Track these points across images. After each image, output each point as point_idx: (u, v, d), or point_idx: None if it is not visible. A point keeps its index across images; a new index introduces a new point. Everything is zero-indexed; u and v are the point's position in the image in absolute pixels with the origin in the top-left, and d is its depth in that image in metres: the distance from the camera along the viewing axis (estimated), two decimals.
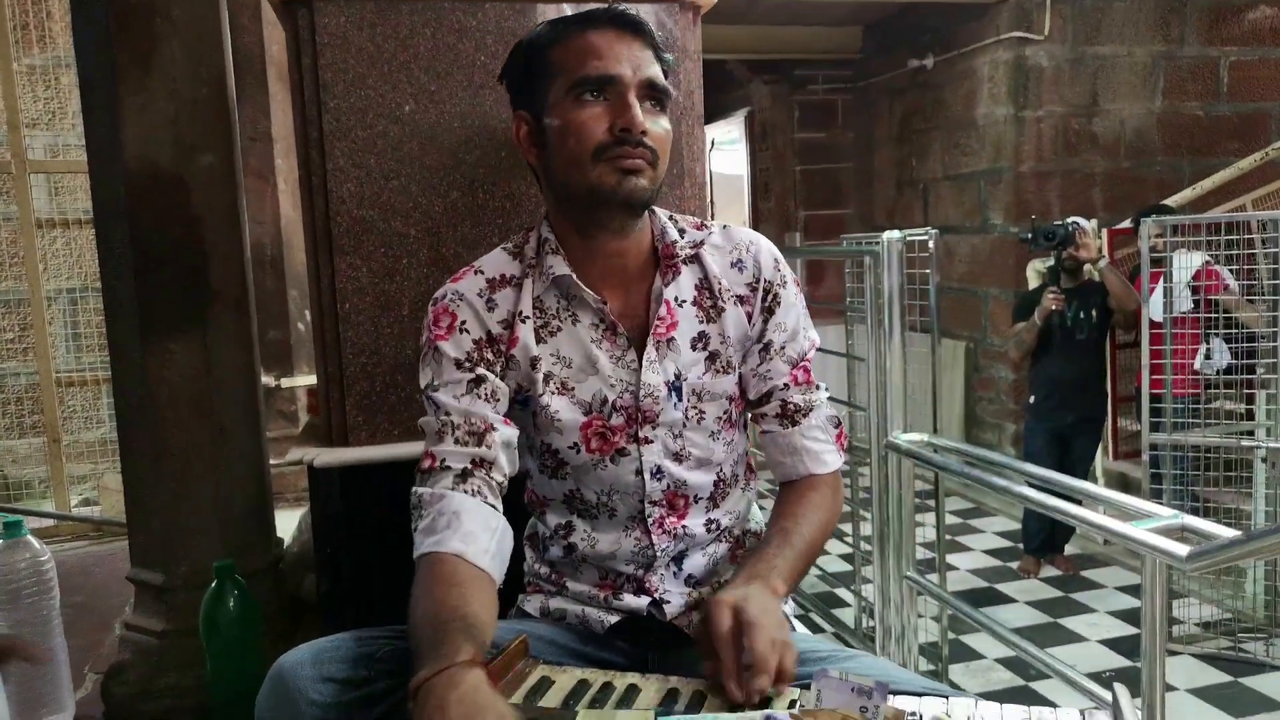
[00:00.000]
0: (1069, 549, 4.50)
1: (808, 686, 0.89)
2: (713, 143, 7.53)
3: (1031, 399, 4.33)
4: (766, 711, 0.85)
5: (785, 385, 1.22)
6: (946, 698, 0.92)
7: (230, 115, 1.70)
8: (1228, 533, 2.14)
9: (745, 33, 6.38)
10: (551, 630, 1.22)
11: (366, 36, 1.46)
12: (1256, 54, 5.41)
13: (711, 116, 7.36)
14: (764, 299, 1.22)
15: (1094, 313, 4.07)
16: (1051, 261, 4.11)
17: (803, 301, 1.27)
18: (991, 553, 4.72)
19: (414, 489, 1.09)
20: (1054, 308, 4.04)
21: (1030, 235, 4.06)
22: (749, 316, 1.22)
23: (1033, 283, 4.67)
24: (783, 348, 1.22)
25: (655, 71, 1.12)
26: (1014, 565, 4.48)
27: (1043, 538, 4.37)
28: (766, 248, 1.24)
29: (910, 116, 6.26)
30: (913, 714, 0.83)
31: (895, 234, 3.34)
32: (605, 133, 1.09)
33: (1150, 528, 2.36)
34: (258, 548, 1.80)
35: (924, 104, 6.09)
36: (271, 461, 2.40)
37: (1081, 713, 0.86)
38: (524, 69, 1.17)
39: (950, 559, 4.32)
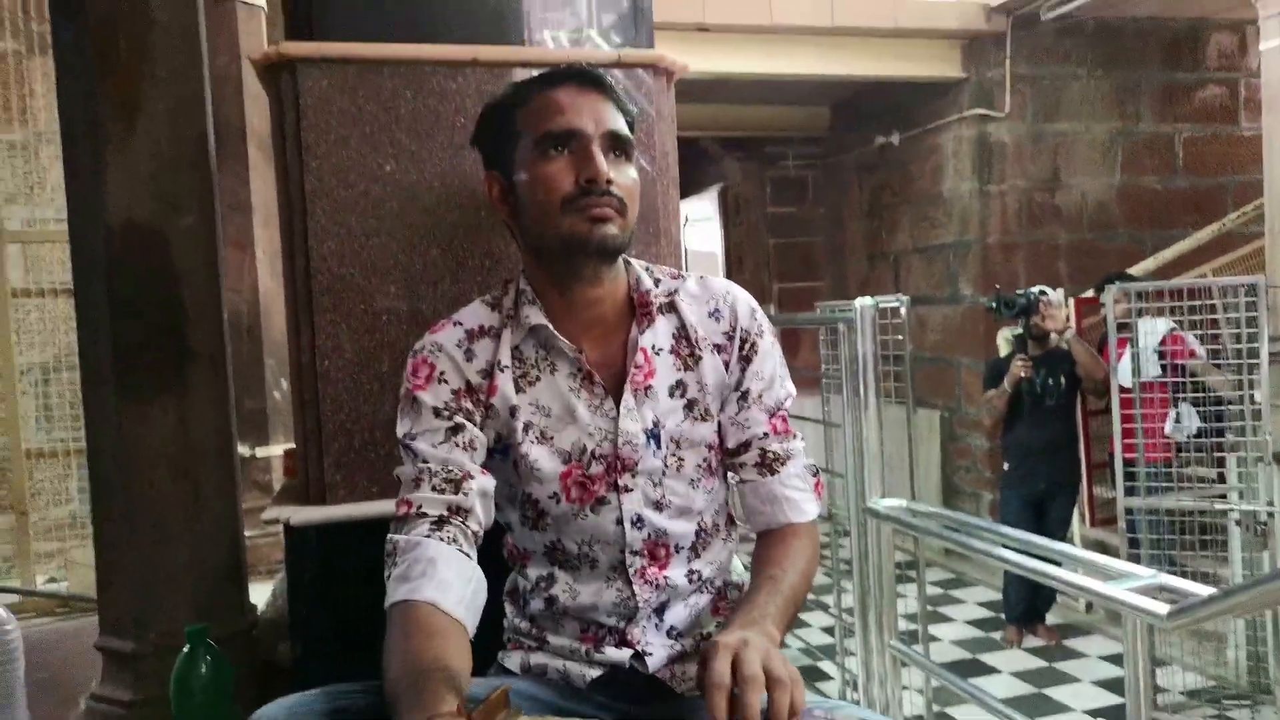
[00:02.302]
0: (1051, 618, 4.49)
1: None
2: (686, 218, 7.67)
3: (1005, 466, 4.37)
4: None
5: (764, 434, 1.22)
6: None
7: (211, 175, 1.72)
8: (1205, 590, 2.15)
9: (717, 111, 6.56)
10: (532, 686, 1.20)
11: (349, 99, 1.50)
12: (1209, 130, 5.63)
13: (685, 192, 7.48)
14: (741, 347, 1.23)
15: (1062, 379, 4.13)
16: (1020, 330, 4.19)
17: (779, 352, 1.29)
18: (974, 623, 4.69)
19: (389, 536, 1.08)
20: (1022, 374, 4.11)
21: (994, 305, 4.15)
22: (726, 365, 1.23)
23: (1003, 350, 4.75)
24: (760, 396, 1.23)
25: (618, 123, 1.15)
26: (997, 635, 4.45)
27: (1024, 607, 4.36)
28: (743, 298, 1.27)
29: (879, 191, 6.42)
30: None
31: (868, 300, 3.40)
32: (572, 184, 1.12)
33: (1130, 587, 2.37)
34: (231, 612, 1.76)
35: (892, 179, 6.26)
36: (246, 532, 2.37)
37: None
38: (492, 131, 1.20)
39: (932, 629, 4.29)
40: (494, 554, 1.23)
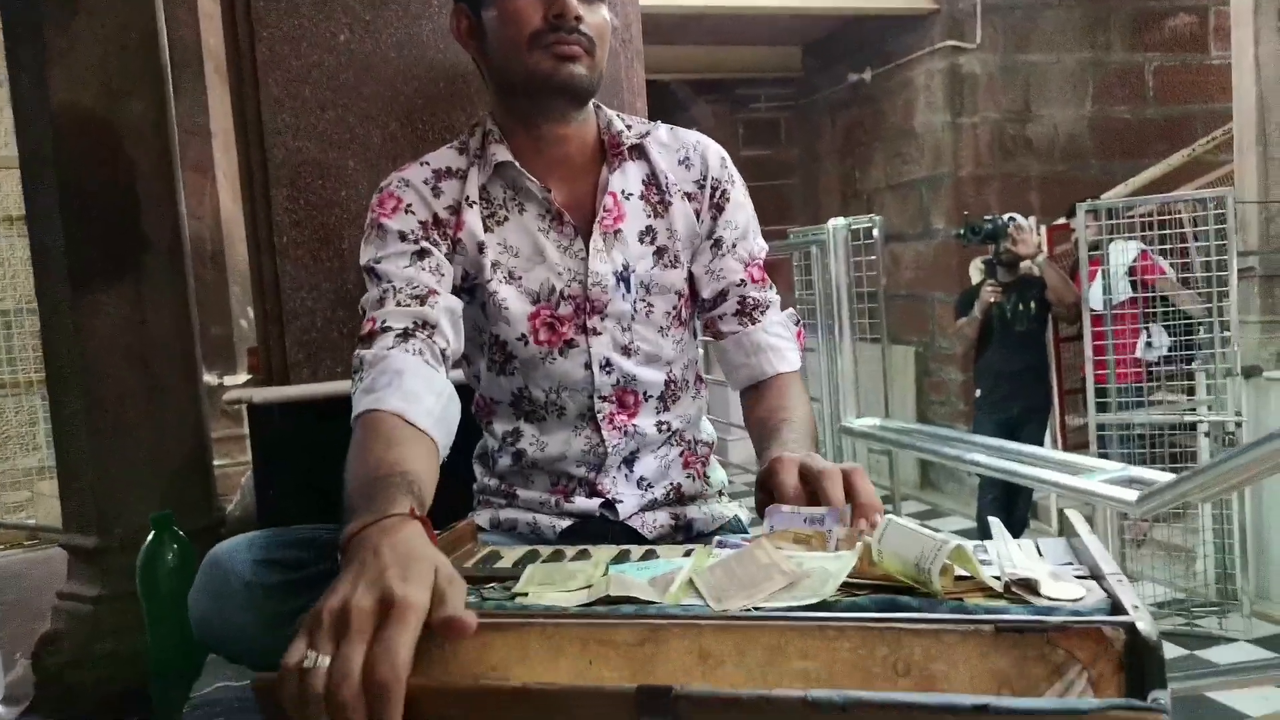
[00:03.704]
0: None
1: None
2: None
3: (978, 392, 4.40)
4: (719, 538, 0.82)
5: (741, 281, 1.20)
6: None
7: (161, 64, 1.67)
8: (1170, 477, 2.17)
9: (686, 53, 6.49)
10: (502, 540, 1.18)
11: None
12: (1179, 59, 5.62)
13: None
14: (712, 196, 1.21)
15: (1032, 304, 4.15)
16: (991, 257, 4.20)
17: (752, 206, 1.26)
18: None
19: (355, 353, 1.04)
20: (992, 300, 4.12)
21: (962, 231, 4.15)
22: (697, 214, 1.21)
23: (975, 280, 4.75)
24: (734, 245, 1.21)
25: None
26: None
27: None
28: (714, 148, 1.24)
29: (852, 130, 6.39)
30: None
31: (840, 221, 3.39)
32: (540, 20, 1.09)
33: (1101, 479, 2.38)
34: (198, 506, 1.73)
35: (865, 117, 6.23)
36: (216, 462, 2.33)
37: (1035, 543, 0.85)
38: None
39: None
40: (465, 420, 1.21)
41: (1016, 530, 4.52)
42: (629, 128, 1.21)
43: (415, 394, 0.96)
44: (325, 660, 0.65)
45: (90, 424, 1.62)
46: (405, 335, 1.03)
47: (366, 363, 1.01)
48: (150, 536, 1.52)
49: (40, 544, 2.93)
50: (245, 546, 0.98)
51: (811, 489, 0.88)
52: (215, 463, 2.21)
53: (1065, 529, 0.86)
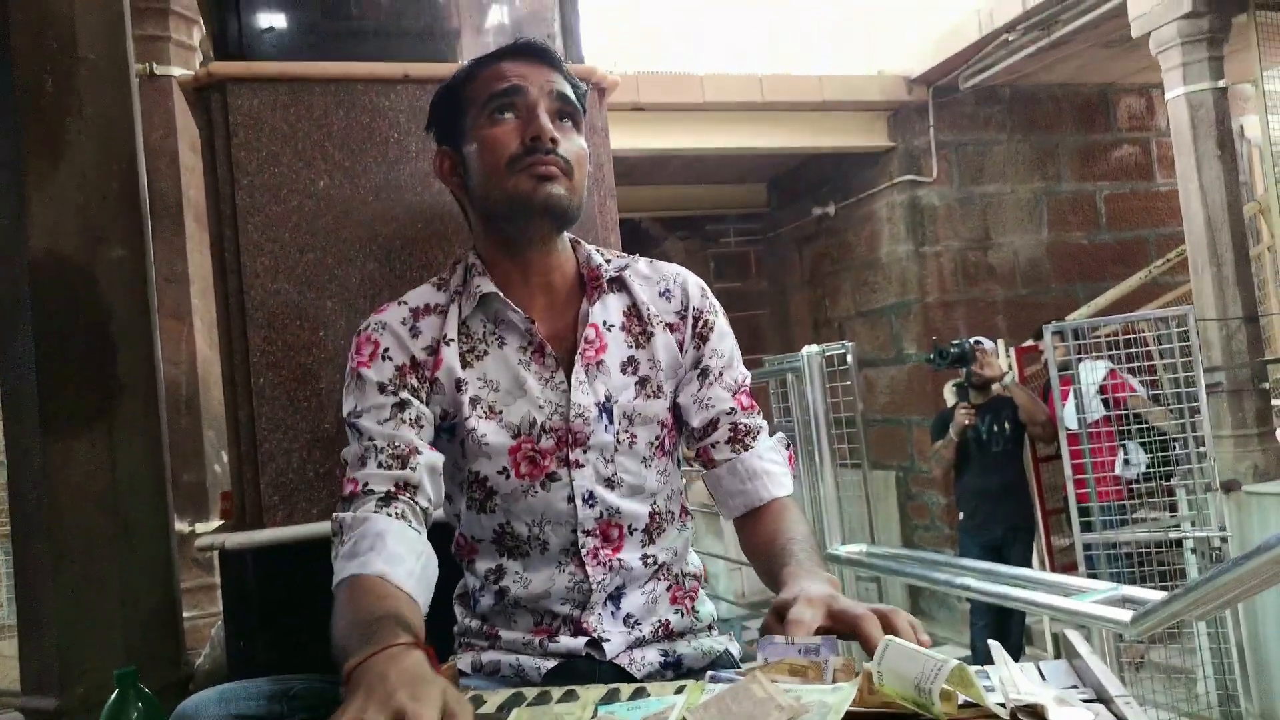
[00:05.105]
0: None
1: None
2: None
3: (961, 515, 4.38)
4: (711, 672, 0.79)
5: (731, 409, 1.19)
6: None
7: (142, 210, 1.70)
8: (1162, 595, 2.14)
9: (656, 192, 6.71)
10: (485, 683, 1.14)
11: (280, 117, 1.50)
12: (1127, 186, 5.88)
13: None
14: (694, 326, 1.22)
15: (1006, 425, 4.18)
16: (962, 379, 4.26)
17: (733, 335, 1.27)
18: None
19: (334, 515, 1.04)
20: (966, 422, 4.16)
21: (931, 356, 4.23)
22: (680, 345, 1.21)
23: (949, 402, 4.80)
24: (720, 373, 1.21)
25: (565, 87, 1.16)
26: None
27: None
28: (694, 279, 1.26)
29: (820, 260, 6.56)
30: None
31: (814, 348, 3.44)
32: (518, 144, 1.12)
33: (1094, 600, 2.34)
34: (166, 660, 1.66)
35: (831, 248, 6.41)
36: (186, 613, 2.25)
37: (1037, 666, 0.82)
38: (444, 109, 1.21)
39: None
40: (444, 559, 1.18)
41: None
42: (608, 261, 1.23)
43: (399, 557, 0.97)
44: None
45: (56, 574, 1.56)
46: (388, 499, 1.04)
47: (347, 526, 1.01)
48: (114, 695, 1.44)
49: None
50: (215, 701, 0.93)
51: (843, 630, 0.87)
52: (185, 614, 2.14)
53: (1066, 651, 0.84)
